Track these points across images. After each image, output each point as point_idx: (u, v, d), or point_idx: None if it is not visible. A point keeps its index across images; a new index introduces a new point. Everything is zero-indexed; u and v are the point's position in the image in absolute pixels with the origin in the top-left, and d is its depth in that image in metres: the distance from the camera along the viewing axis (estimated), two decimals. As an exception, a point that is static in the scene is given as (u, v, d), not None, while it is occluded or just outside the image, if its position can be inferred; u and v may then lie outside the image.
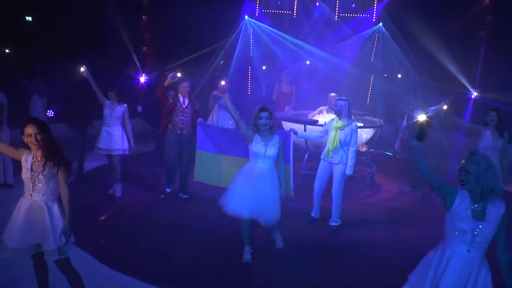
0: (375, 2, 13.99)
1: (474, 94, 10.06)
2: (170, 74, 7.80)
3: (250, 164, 5.79)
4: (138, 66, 12.86)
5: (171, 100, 8.04)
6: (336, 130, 6.93)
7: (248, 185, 5.64)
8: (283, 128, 9.70)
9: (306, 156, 9.37)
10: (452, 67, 12.16)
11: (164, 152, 8.56)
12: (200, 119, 7.86)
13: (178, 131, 8.05)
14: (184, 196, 8.25)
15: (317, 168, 7.35)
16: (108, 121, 8.02)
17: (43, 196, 4.28)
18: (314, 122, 9.29)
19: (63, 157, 4.34)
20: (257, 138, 5.70)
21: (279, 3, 14.16)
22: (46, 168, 4.25)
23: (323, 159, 7.18)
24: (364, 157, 10.15)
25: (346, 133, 6.90)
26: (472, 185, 3.59)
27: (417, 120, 3.85)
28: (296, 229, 7.11)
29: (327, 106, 10.22)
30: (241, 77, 13.86)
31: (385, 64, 13.81)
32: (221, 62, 13.29)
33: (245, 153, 6.36)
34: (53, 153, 4.26)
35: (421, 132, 3.77)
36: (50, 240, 4.24)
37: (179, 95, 8.07)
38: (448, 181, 3.83)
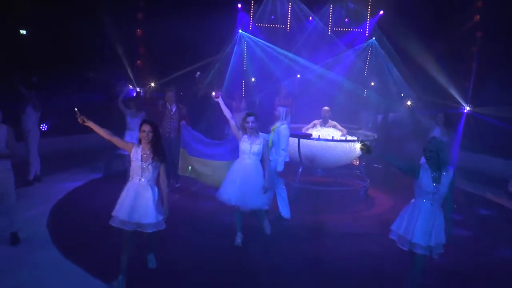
0: (368, 17, 14.12)
1: (467, 108, 10.16)
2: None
3: (238, 160, 6.80)
4: (132, 79, 12.89)
5: (161, 108, 9.37)
6: (272, 132, 7.85)
7: (237, 176, 6.64)
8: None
9: (300, 170, 9.38)
10: (444, 82, 12.28)
11: None
12: (183, 122, 8.69)
13: (167, 134, 9.17)
14: (177, 185, 9.51)
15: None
16: (131, 126, 9.44)
17: (149, 181, 5.36)
18: (308, 136, 9.32)
19: (165, 155, 5.46)
20: (244, 137, 6.72)
21: (272, 17, 14.26)
22: (154, 161, 5.34)
23: None
24: (358, 171, 10.18)
25: (275, 134, 7.78)
26: (433, 160, 4.95)
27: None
28: (291, 244, 7.13)
29: (321, 120, 10.27)
30: (235, 91, 13.89)
31: (378, 78, 13.89)
32: (197, 74, 13.31)
33: (217, 157, 7.77)
34: (159, 150, 5.38)
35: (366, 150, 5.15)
36: (152, 215, 5.28)
37: (167, 103, 9.35)
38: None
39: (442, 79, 12.27)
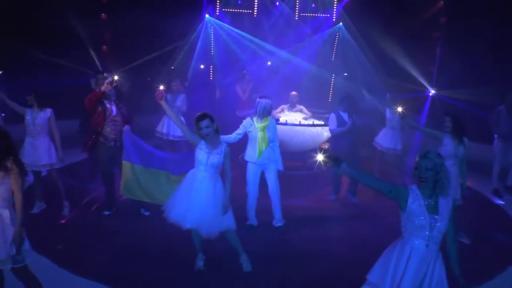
0: (335, 2, 14.14)
1: (432, 92, 10.32)
2: (109, 79, 6.88)
3: (193, 171, 5.49)
4: (98, 65, 12.63)
5: (99, 109, 7.07)
6: (263, 130, 6.87)
7: (190, 193, 5.37)
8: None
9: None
10: (410, 66, 12.45)
11: (97, 168, 8.05)
12: (127, 127, 7.05)
13: (112, 143, 7.16)
14: (146, 213, 7.43)
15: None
16: (31, 131, 7.11)
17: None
18: (276, 121, 9.33)
19: (16, 161, 4.17)
20: (201, 144, 5.39)
21: (239, 2, 14.13)
22: None
23: (254, 163, 6.97)
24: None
25: (270, 130, 6.94)
26: (430, 182, 3.75)
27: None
28: (258, 229, 7.14)
29: (288, 105, 10.34)
30: (202, 77, 13.79)
31: (345, 63, 13.98)
32: (171, 68, 13.16)
33: (172, 169, 6.66)
34: (1, 158, 4.09)
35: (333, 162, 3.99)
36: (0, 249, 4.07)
37: (105, 101, 7.15)
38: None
39: (407, 63, 12.43)
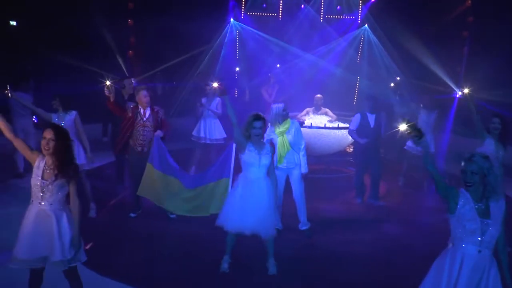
0: (360, 4, 14.05)
1: (459, 93, 10.15)
2: (105, 90, 6.94)
3: (244, 175, 5.53)
4: (124, 70, 12.81)
5: (130, 114, 7.18)
6: (282, 135, 6.76)
7: (246, 198, 5.42)
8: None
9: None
10: (436, 67, 12.27)
11: (124, 171, 8.51)
12: (158, 132, 7.09)
13: (139, 148, 7.20)
14: (172, 216, 7.34)
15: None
16: None
17: (52, 205, 4.22)
18: (301, 124, 9.31)
19: (76, 168, 4.33)
20: (249, 146, 5.44)
21: (264, 5, 14.17)
22: (58, 179, 4.19)
23: (276, 168, 6.54)
24: (351, 158, 10.19)
25: (292, 133, 6.80)
26: (477, 186, 3.62)
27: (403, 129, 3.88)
28: (283, 231, 7.01)
29: (313, 107, 10.31)
30: (227, 80, 13.86)
31: (370, 65, 13.87)
32: (197, 72, 13.25)
33: (185, 181, 6.94)
34: (66, 164, 4.21)
35: (414, 132, 3.82)
36: (56, 252, 4.16)
37: (139, 106, 7.22)
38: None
39: (434, 64, 12.26)
